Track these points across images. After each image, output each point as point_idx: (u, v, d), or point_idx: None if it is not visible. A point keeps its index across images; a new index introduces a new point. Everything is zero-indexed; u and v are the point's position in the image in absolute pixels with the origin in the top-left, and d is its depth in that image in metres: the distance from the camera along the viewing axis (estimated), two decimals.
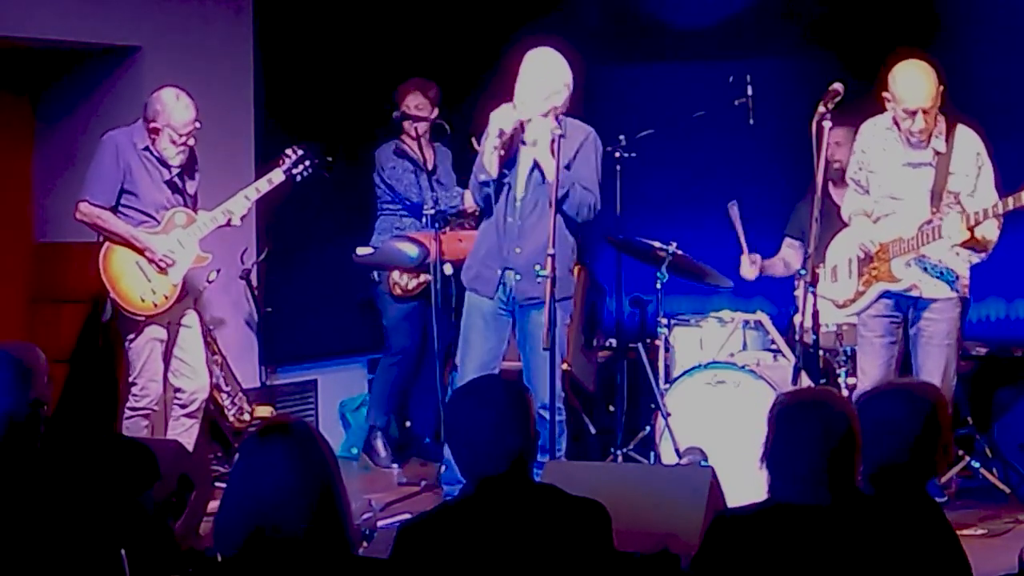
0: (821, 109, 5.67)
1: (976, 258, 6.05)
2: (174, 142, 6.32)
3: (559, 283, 5.86)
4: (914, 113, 5.88)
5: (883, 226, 6.16)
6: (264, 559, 2.99)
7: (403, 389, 7.82)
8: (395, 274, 7.42)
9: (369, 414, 7.87)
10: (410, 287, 7.48)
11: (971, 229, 5.81)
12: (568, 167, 6.09)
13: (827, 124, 5.67)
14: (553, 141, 5.96)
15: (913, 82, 5.89)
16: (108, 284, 6.34)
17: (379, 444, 7.73)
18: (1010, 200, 5.72)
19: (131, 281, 6.36)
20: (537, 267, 5.87)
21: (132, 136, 6.37)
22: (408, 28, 8.17)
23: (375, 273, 7.55)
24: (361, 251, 7.42)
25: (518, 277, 6.11)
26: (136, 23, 7.25)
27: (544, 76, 6.10)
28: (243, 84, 7.71)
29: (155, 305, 6.38)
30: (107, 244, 6.36)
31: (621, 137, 7.00)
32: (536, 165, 6.11)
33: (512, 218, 6.15)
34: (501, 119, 6.07)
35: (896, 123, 6.02)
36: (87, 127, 7.15)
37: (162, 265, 6.37)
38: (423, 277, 7.32)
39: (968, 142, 6.00)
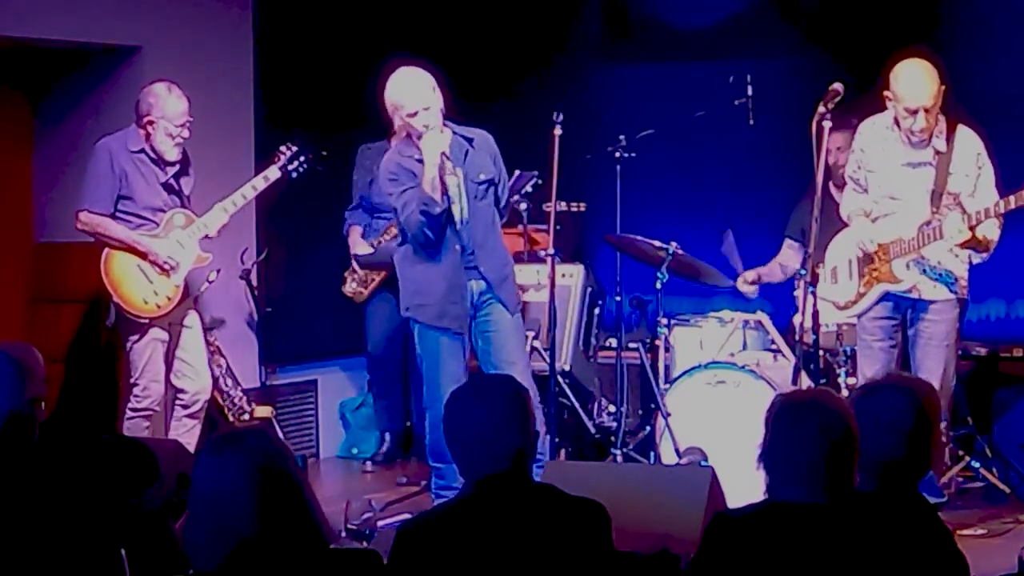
0: (821, 109, 5.67)
1: (977, 258, 6.05)
2: (170, 135, 6.33)
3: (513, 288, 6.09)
4: (915, 112, 5.87)
5: (883, 226, 6.15)
6: (250, 565, 2.97)
7: (397, 392, 7.86)
8: (351, 284, 7.50)
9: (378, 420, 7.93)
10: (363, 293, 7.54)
11: (972, 229, 5.81)
12: (496, 180, 6.11)
13: (827, 124, 5.67)
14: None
15: (915, 81, 5.88)
16: (110, 288, 6.34)
17: (386, 447, 7.81)
18: (1012, 199, 5.71)
19: (133, 284, 6.36)
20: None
21: (125, 141, 6.38)
22: (409, 28, 8.16)
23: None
24: (361, 250, 7.43)
25: (482, 285, 6.09)
26: (136, 23, 7.25)
27: (426, 87, 5.98)
28: (243, 84, 7.71)
29: (158, 307, 6.38)
30: (107, 249, 6.36)
31: (621, 137, 7.01)
32: (467, 177, 6.02)
33: (461, 244, 6.02)
34: (435, 143, 5.89)
35: (896, 122, 6.02)
36: (87, 127, 7.15)
37: (166, 268, 6.38)
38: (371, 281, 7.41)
39: (969, 142, 5.99)
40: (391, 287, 7.48)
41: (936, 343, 6.04)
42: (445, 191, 5.91)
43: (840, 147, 6.70)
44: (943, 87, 5.89)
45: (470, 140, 6.11)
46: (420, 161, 5.92)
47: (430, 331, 6.12)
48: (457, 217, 6.00)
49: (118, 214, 6.36)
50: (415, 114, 5.92)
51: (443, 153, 5.89)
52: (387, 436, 7.85)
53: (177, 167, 6.45)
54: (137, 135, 6.37)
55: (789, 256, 7.27)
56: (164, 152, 6.36)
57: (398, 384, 7.83)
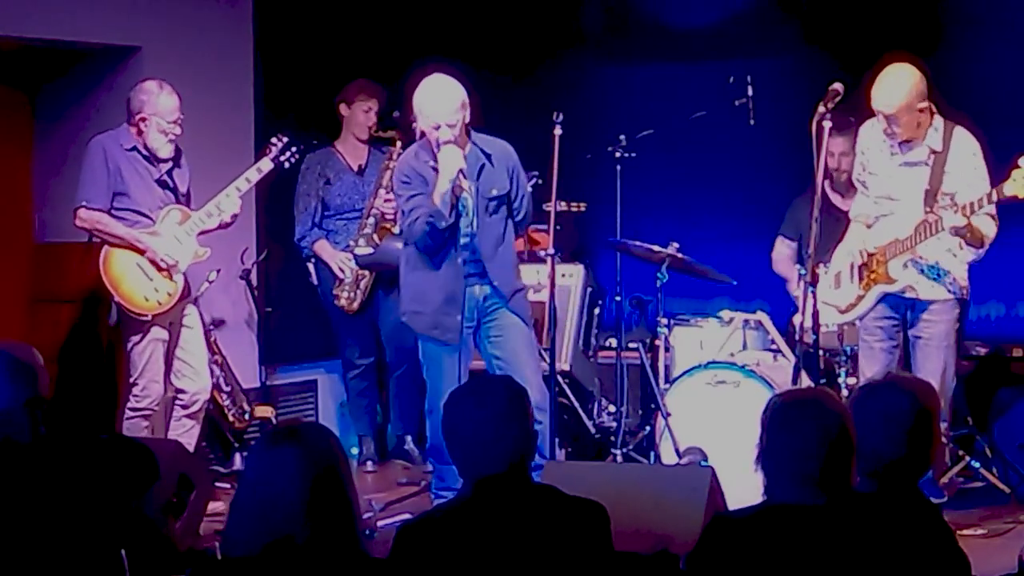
0: (821, 109, 5.66)
1: (972, 254, 6.03)
2: (163, 131, 6.34)
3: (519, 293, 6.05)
4: (887, 118, 5.90)
5: (880, 229, 6.16)
6: (269, 561, 2.97)
7: (373, 397, 7.85)
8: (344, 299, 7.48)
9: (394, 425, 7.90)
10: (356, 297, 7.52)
11: (967, 215, 5.78)
12: (512, 195, 6.09)
13: (827, 124, 5.67)
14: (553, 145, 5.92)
15: (883, 88, 5.91)
16: (110, 287, 6.34)
17: (408, 447, 7.74)
18: (993, 192, 5.70)
19: (133, 282, 6.36)
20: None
21: (118, 139, 6.39)
22: (407, 28, 8.17)
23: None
24: (361, 251, 7.42)
25: (487, 290, 6.06)
26: (136, 23, 7.26)
27: (455, 103, 5.92)
28: (243, 84, 7.72)
29: (159, 303, 6.38)
30: (106, 247, 6.36)
31: (621, 137, 7.01)
32: (478, 192, 5.96)
33: (466, 254, 5.96)
34: (454, 160, 5.85)
35: None
36: (87, 127, 7.14)
37: (164, 265, 6.38)
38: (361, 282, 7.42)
39: (965, 143, 5.99)
40: (385, 286, 7.49)
41: (935, 344, 6.03)
42: (455, 205, 5.89)
43: (844, 152, 6.73)
44: (925, 92, 5.87)
45: (488, 155, 6.06)
46: (435, 169, 5.91)
47: (426, 339, 6.14)
48: (463, 231, 5.95)
49: (115, 211, 6.36)
50: (438, 127, 5.91)
51: (460, 170, 5.85)
52: (366, 440, 7.78)
53: (170, 163, 6.47)
54: (129, 133, 6.38)
55: (783, 253, 7.28)
56: (157, 149, 6.37)
57: (374, 389, 7.82)
